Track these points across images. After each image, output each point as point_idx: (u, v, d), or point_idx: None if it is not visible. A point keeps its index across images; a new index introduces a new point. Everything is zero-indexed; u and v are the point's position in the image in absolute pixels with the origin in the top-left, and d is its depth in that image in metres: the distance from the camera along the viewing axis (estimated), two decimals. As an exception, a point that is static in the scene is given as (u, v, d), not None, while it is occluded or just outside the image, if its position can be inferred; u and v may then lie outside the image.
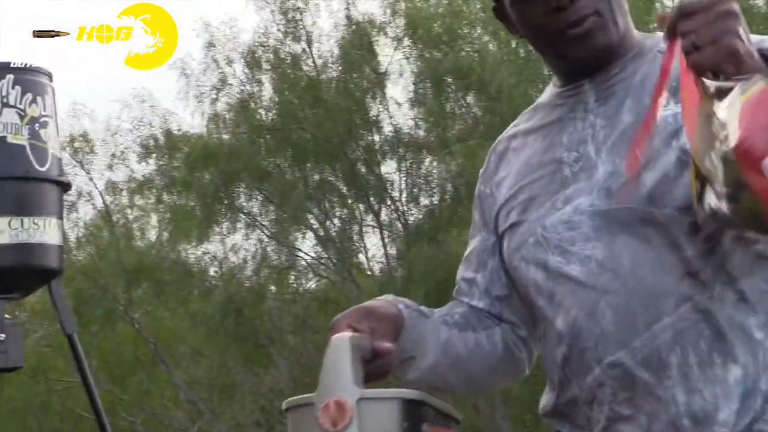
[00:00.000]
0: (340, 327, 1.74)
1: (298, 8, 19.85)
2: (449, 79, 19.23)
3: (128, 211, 22.00)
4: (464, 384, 2.02)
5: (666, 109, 1.77)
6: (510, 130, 2.02)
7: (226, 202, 20.38)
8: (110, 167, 21.16)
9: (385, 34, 19.82)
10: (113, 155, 21.04)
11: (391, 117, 20.12)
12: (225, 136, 20.28)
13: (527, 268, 1.88)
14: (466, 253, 2.05)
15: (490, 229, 1.99)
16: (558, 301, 1.83)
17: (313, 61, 19.86)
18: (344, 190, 20.17)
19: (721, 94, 1.52)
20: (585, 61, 1.89)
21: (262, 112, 20.29)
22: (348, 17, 19.73)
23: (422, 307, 1.93)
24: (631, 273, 1.76)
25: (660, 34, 1.84)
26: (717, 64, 1.56)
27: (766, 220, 1.49)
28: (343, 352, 1.61)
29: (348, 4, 19.76)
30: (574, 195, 1.84)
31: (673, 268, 1.75)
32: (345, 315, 1.80)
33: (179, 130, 20.74)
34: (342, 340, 1.64)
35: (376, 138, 20.16)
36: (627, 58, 1.89)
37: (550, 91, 1.98)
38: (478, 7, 18.80)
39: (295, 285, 21.40)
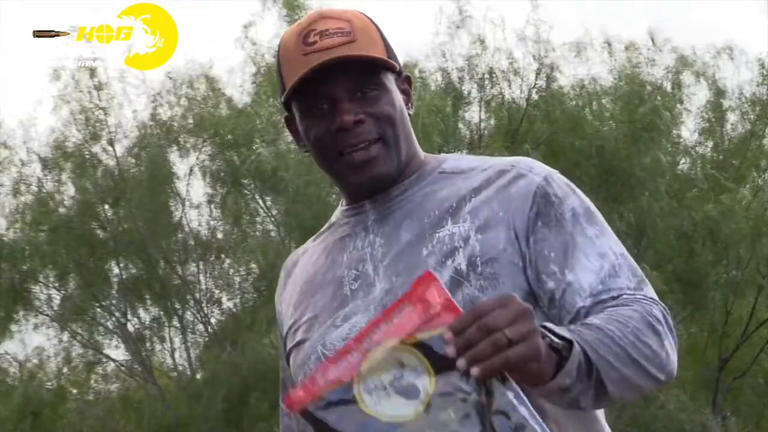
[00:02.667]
0: None
1: (102, 108, 19.89)
2: (247, 181, 19.41)
3: None
4: None
5: (442, 230, 1.81)
6: (301, 248, 2.03)
7: (24, 301, 20.07)
8: None
9: (185, 135, 19.90)
10: None
11: (190, 218, 20.16)
12: (23, 233, 20.01)
13: None
14: (281, 376, 2.06)
15: (284, 356, 2.01)
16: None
17: (116, 161, 19.89)
18: (146, 291, 20.08)
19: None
20: (360, 188, 1.90)
21: (63, 210, 20.14)
22: (151, 117, 19.82)
23: None
24: None
25: (444, 155, 1.95)
26: (528, 359, 1.46)
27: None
28: None
29: (152, 104, 19.88)
30: (352, 312, 1.84)
31: None
32: None
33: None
34: None
35: (178, 238, 20.17)
36: (410, 179, 1.90)
37: (338, 210, 1.98)
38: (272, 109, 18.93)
39: (96, 386, 21.10)
